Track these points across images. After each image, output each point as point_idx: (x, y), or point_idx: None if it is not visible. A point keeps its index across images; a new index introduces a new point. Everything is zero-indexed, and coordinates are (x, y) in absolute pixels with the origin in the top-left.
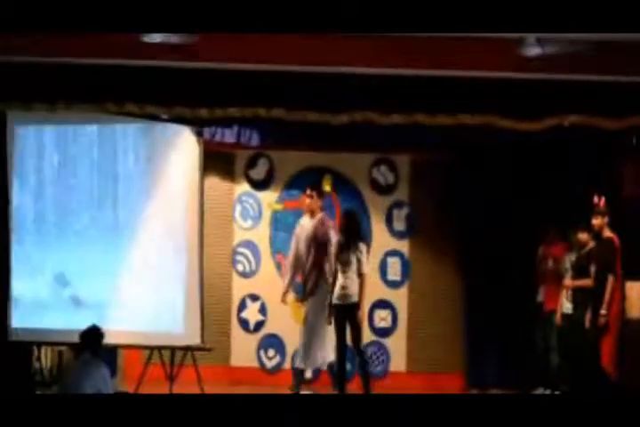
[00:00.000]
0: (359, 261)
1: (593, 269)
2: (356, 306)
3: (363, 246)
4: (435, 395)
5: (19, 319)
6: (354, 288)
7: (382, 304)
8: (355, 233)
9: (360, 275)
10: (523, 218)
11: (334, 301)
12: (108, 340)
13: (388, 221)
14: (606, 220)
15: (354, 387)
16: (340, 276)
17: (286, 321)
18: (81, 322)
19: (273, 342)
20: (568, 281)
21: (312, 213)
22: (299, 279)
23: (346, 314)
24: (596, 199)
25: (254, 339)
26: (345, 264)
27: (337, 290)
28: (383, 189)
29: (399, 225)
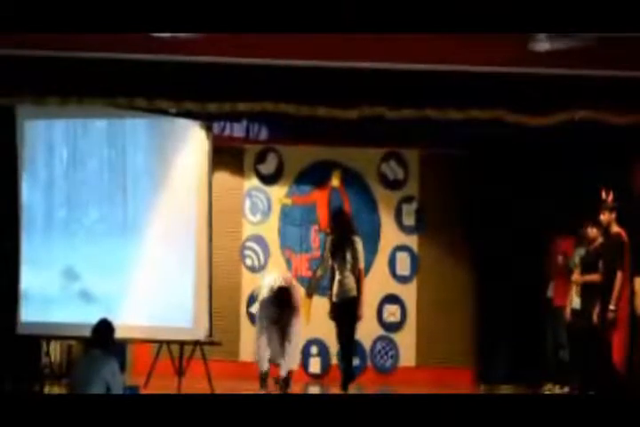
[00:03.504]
0: (354, 256)
1: (601, 264)
2: (353, 301)
3: (358, 241)
4: (440, 395)
5: (28, 313)
6: (352, 284)
7: (391, 299)
8: (346, 230)
9: (358, 270)
10: (533, 213)
11: (333, 298)
12: (117, 334)
13: (398, 216)
14: (614, 215)
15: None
16: (337, 273)
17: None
18: (90, 316)
19: None
20: (576, 276)
21: None
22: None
23: (346, 310)
24: (604, 195)
25: None
26: (341, 261)
27: (335, 288)
28: (392, 184)
29: (408, 220)
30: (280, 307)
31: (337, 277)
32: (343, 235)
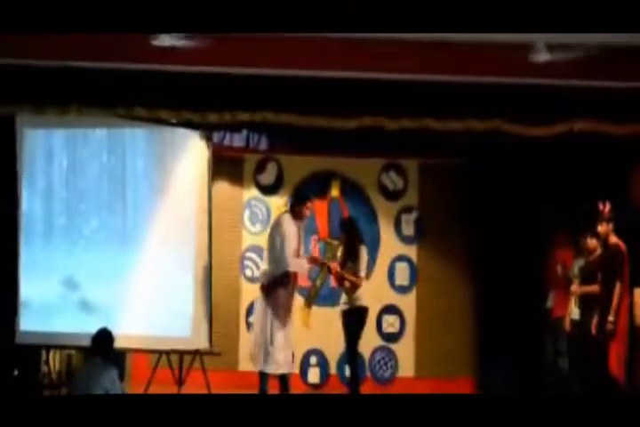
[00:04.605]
0: (359, 263)
1: (600, 275)
2: (364, 309)
3: (363, 249)
4: (440, 395)
5: (28, 323)
6: (360, 293)
7: (390, 309)
8: (355, 240)
9: (358, 277)
10: (532, 223)
11: (342, 306)
12: (117, 344)
13: (397, 226)
14: (611, 226)
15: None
16: (345, 282)
17: (293, 326)
18: (89, 326)
19: None
20: (575, 287)
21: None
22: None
23: (354, 318)
24: (601, 206)
25: None
26: (349, 271)
27: (344, 295)
28: (392, 194)
29: (407, 230)
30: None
31: (346, 285)
32: (352, 245)
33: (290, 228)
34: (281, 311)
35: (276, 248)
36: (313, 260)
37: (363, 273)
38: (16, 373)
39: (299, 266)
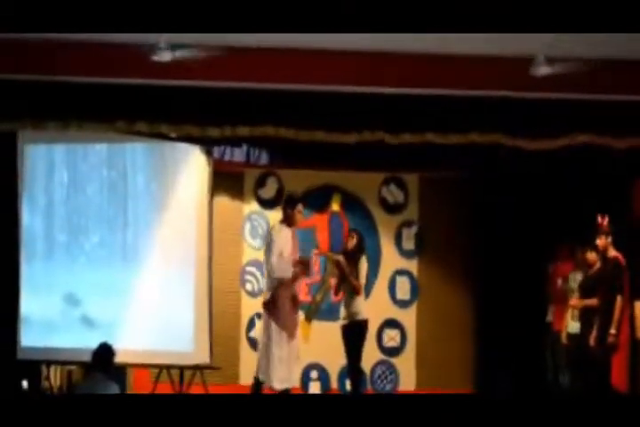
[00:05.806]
0: (360, 271)
1: (600, 288)
2: (364, 323)
3: (364, 260)
4: (440, 395)
5: (29, 338)
6: (361, 307)
7: (391, 324)
8: (360, 252)
9: (355, 287)
10: (533, 237)
11: (341, 321)
12: (118, 359)
13: (397, 240)
14: (610, 239)
15: None
16: (346, 295)
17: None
18: (90, 341)
19: None
20: (575, 301)
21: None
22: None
23: (354, 332)
24: (599, 219)
25: None
26: (349, 284)
27: (343, 309)
28: (392, 208)
29: (408, 244)
30: None
31: (346, 299)
32: (356, 257)
33: (279, 234)
34: (284, 326)
35: (267, 257)
36: (299, 262)
37: (362, 281)
38: (25, 385)
39: (282, 269)
